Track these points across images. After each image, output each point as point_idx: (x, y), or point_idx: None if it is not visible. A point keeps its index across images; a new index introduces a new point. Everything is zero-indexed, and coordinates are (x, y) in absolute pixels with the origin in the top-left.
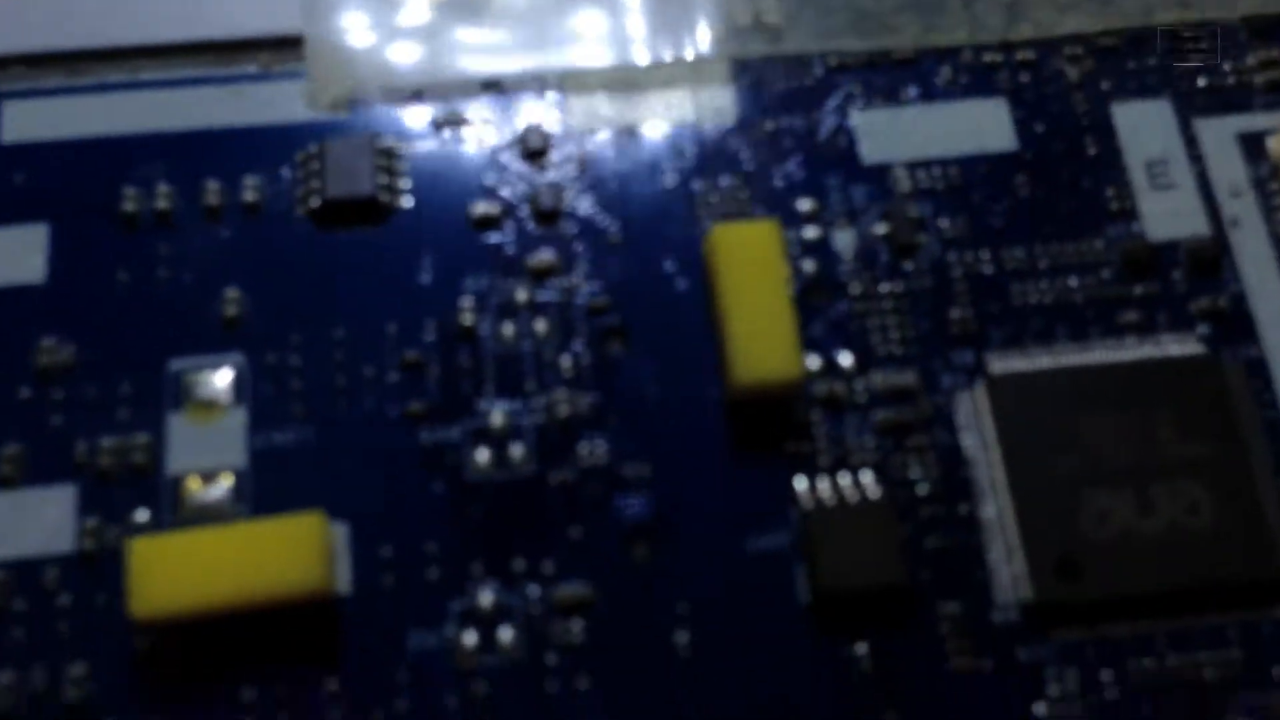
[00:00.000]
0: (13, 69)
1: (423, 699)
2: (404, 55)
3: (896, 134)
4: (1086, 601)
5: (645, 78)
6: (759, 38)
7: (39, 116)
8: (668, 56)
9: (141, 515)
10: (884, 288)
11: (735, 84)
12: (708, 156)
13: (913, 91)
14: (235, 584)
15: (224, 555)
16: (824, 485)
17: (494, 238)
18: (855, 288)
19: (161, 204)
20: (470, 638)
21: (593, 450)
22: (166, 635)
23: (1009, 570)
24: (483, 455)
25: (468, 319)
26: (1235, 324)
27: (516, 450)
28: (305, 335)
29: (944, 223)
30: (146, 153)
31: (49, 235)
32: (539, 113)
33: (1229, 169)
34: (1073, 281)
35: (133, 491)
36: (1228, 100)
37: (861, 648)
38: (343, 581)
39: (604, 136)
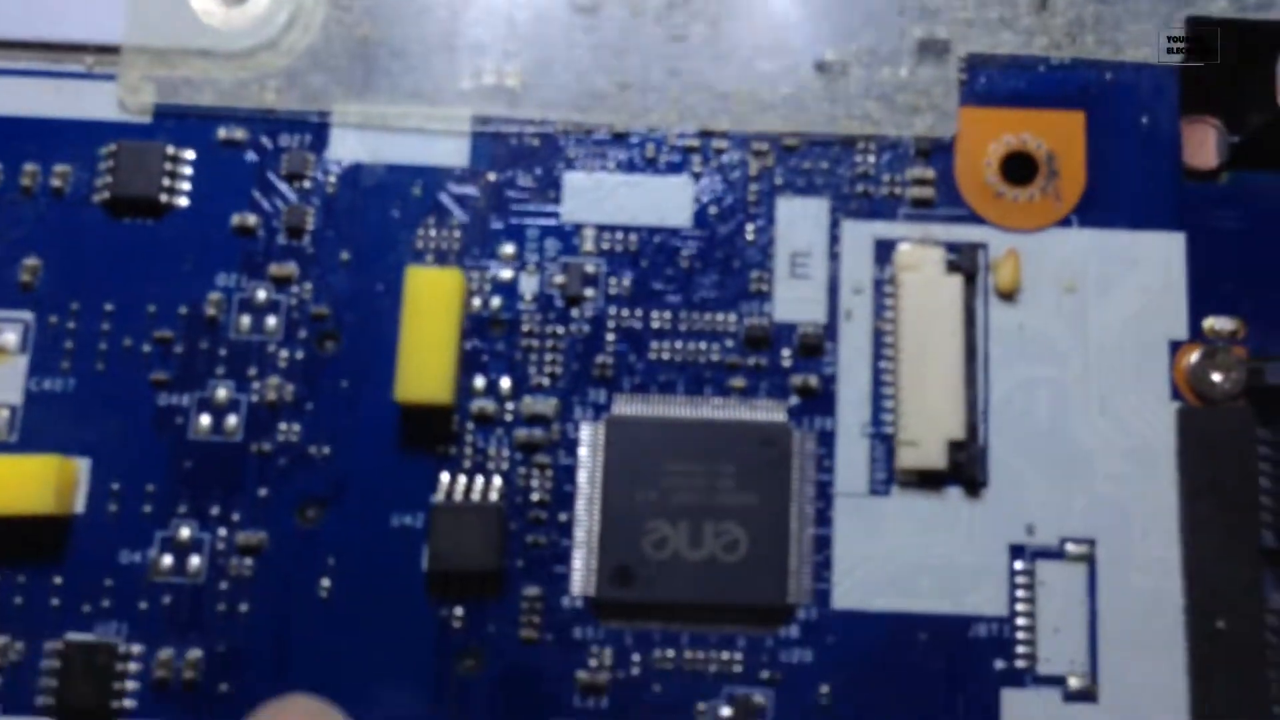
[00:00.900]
0: None
1: (122, 600)
2: (205, 76)
3: (595, 198)
4: (633, 603)
5: (397, 121)
6: (500, 99)
7: None
8: (417, 108)
9: None
10: (550, 329)
11: (472, 138)
12: (435, 198)
13: (616, 162)
14: None
15: None
16: (460, 483)
17: (247, 245)
18: (527, 325)
19: None
20: (167, 560)
21: (289, 429)
22: None
23: (583, 570)
24: (204, 420)
25: (213, 309)
26: (820, 400)
27: (231, 421)
28: (83, 304)
29: (612, 281)
30: None
31: None
32: (307, 141)
33: (858, 268)
34: (702, 345)
35: None
36: (876, 208)
37: (459, 610)
38: (78, 503)
39: (354, 168)
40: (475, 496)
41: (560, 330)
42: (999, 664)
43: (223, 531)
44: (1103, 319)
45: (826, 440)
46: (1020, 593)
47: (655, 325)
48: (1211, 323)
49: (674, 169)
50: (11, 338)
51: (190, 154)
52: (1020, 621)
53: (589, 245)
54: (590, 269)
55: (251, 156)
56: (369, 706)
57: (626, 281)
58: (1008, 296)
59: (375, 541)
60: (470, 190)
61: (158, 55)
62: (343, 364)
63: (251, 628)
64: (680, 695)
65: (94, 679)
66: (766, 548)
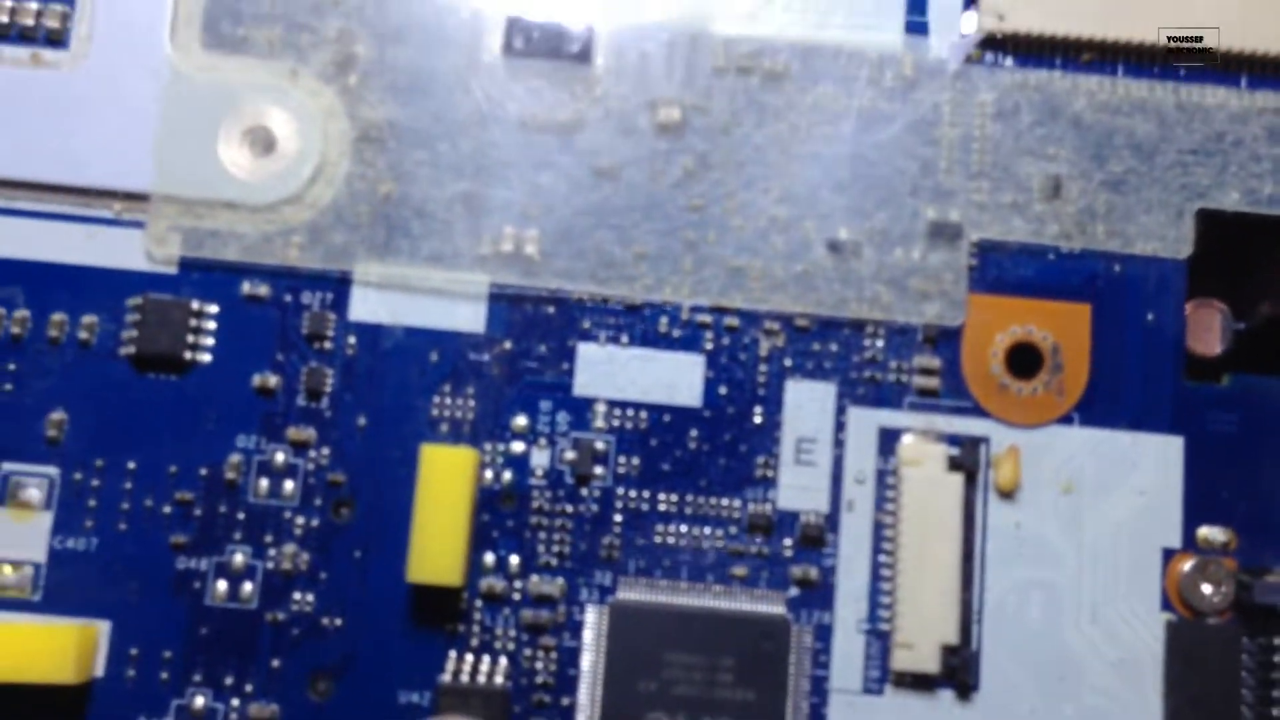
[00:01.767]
0: None
1: None
2: (231, 229)
3: (608, 372)
4: None
5: (417, 283)
6: (518, 266)
7: None
8: (436, 271)
9: None
10: (559, 506)
11: (490, 302)
12: (453, 365)
13: (630, 335)
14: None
15: (16, 642)
16: (467, 662)
17: (267, 406)
18: (537, 501)
19: (15, 329)
20: None
21: (303, 599)
22: None
23: None
24: (221, 586)
25: (232, 472)
26: (820, 592)
27: (247, 588)
28: (107, 461)
29: (621, 459)
30: (10, 276)
31: None
32: (328, 300)
33: (861, 457)
34: (706, 530)
35: None
36: (882, 395)
37: None
38: (99, 666)
39: (373, 329)
40: (482, 678)
41: (569, 508)
42: None
43: (235, 702)
44: (1099, 522)
45: (824, 635)
46: None
47: (662, 507)
48: (1205, 532)
49: (686, 345)
50: (36, 494)
51: (214, 308)
52: None
53: (600, 421)
54: (600, 446)
55: (274, 314)
56: None
57: (635, 460)
58: (1007, 495)
59: (383, 715)
60: (485, 358)
61: (185, 206)
62: (356, 532)
63: None
64: None
65: None
66: None
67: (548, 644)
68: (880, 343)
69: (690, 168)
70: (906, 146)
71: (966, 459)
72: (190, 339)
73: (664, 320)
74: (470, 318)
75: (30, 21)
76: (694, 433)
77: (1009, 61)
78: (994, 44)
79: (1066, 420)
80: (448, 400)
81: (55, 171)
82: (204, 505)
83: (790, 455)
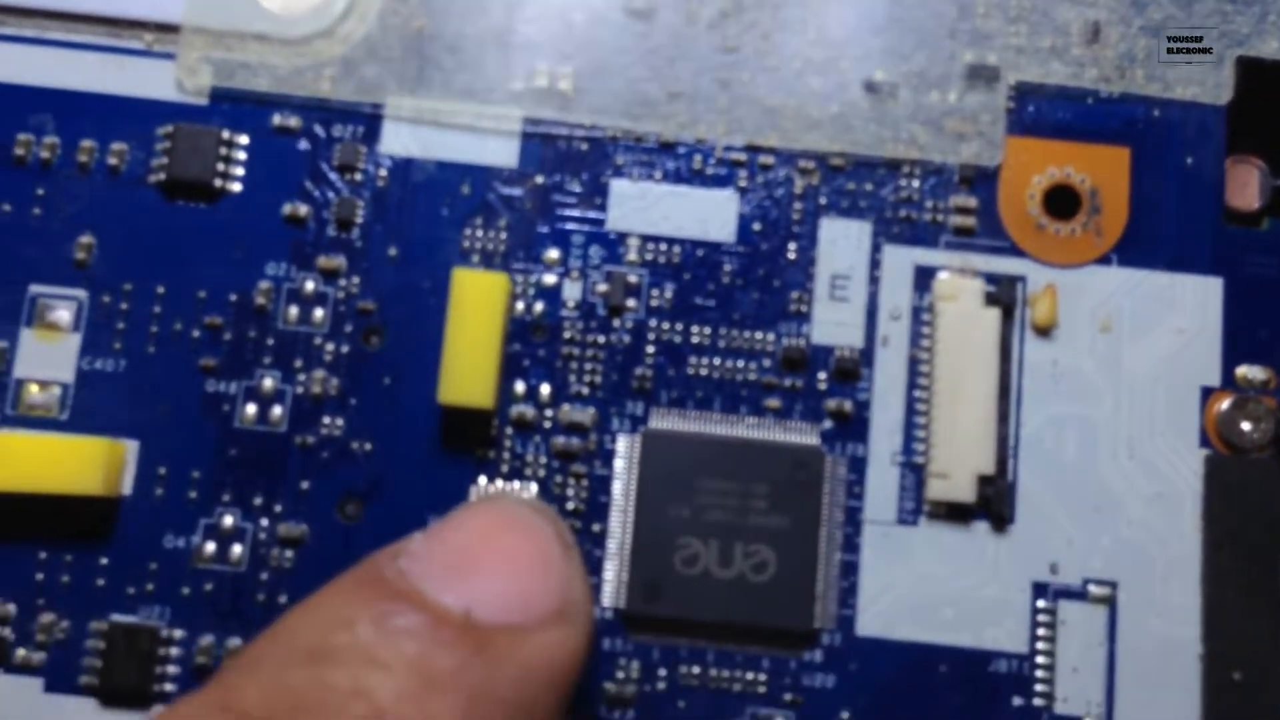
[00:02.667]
0: None
1: (165, 584)
2: (262, 61)
3: (640, 207)
4: (661, 618)
5: (449, 118)
6: (551, 102)
7: None
8: (468, 106)
9: None
10: (590, 337)
11: (522, 138)
12: (484, 198)
13: (663, 172)
14: (47, 476)
15: (45, 454)
16: (497, 487)
17: (297, 235)
18: (568, 332)
19: (45, 154)
20: (210, 547)
21: (333, 423)
22: None
23: (614, 582)
24: (250, 410)
25: (262, 299)
26: (854, 425)
27: (276, 411)
28: (135, 285)
29: (654, 293)
30: (41, 104)
31: None
32: (359, 133)
33: (896, 294)
34: (740, 363)
35: None
36: (918, 234)
37: None
38: (126, 484)
39: (405, 162)
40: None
41: (601, 339)
42: (1017, 700)
43: (265, 522)
44: (1136, 361)
45: (858, 466)
46: (1041, 631)
47: (695, 340)
48: (1244, 371)
49: (720, 182)
50: (65, 315)
51: (244, 139)
52: (1040, 660)
53: (633, 255)
54: (633, 279)
55: (304, 145)
56: None
57: (668, 294)
58: (1043, 332)
59: None
60: (518, 192)
61: (216, 37)
62: (386, 360)
63: None
64: (704, 713)
65: (136, 662)
66: (795, 571)
67: (578, 471)
68: (916, 182)
69: (726, 8)
70: None
71: (1003, 295)
72: (220, 167)
73: (698, 158)
74: (503, 152)
75: None
76: (727, 267)
77: None
78: None
79: (1104, 260)
80: (479, 232)
81: (87, 1)
82: (233, 330)
83: (825, 291)
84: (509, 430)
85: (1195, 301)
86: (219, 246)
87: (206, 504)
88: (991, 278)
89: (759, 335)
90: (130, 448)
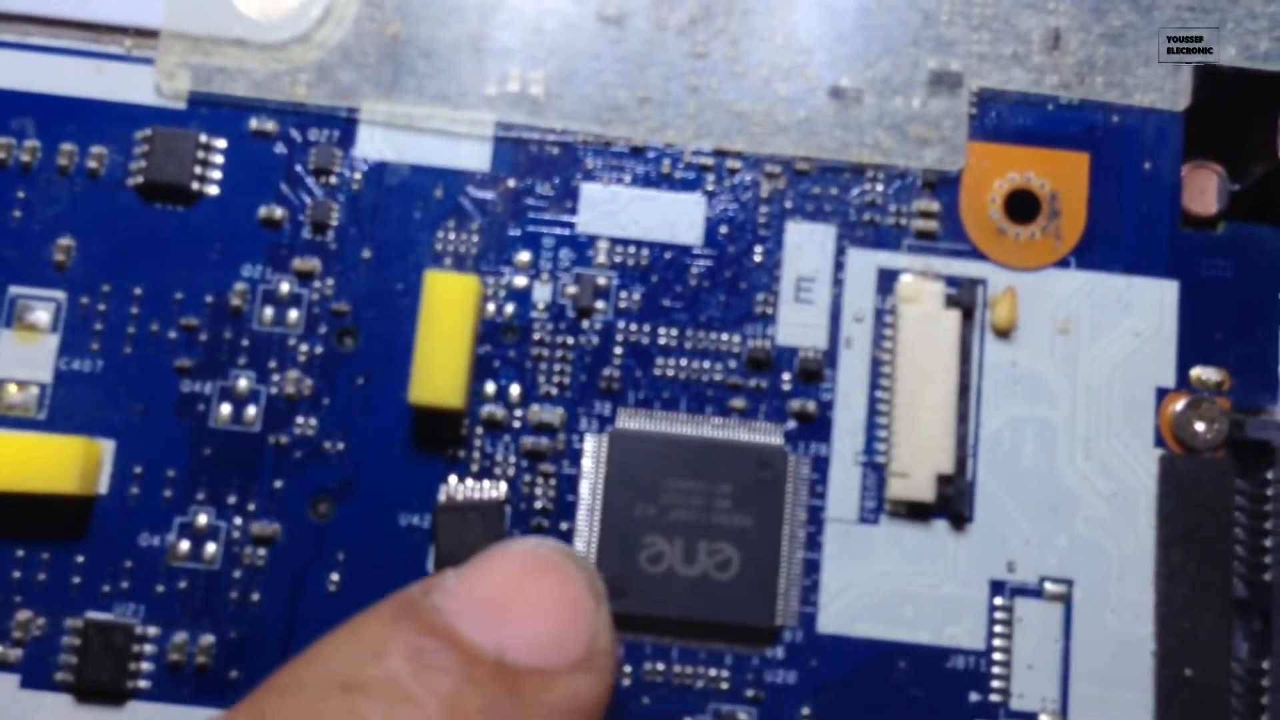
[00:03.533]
0: None
1: (140, 582)
2: (239, 66)
3: (610, 210)
4: (626, 615)
5: (422, 122)
6: (523, 107)
7: None
8: (442, 110)
9: None
10: (560, 338)
11: (494, 142)
12: (456, 201)
13: (632, 176)
14: (24, 475)
15: (22, 452)
16: (467, 486)
17: (273, 237)
18: (538, 334)
19: (25, 157)
20: (184, 545)
21: (306, 423)
22: None
23: None
24: (225, 410)
25: (237, 300)
26: (817, 425)
27: (250, 411)
28: (113, 286)
29: (623, 295)
30: (21, 108)
31: None
32: (335, 137)
33: (860, 296)
34: (706, 364)
35: None
36: (881, 237)
37: None
38: (102, 483)
39: (379, 166)
40: (472, 497)
41: (570, 340)
42: (974, 696)
43: (238, 520)
44: (1093, 362)
45: (820, 466)
46: (998, 628)
47: (662, 341)
48: (1198, 372)
49: (688, 186)
50: (44, 316)
51: (222, 143)
52: (997, 656)
53: (602, 258)
54: (602, 281)
55: (281, 149)
56: None
57: (636, 296)
58: (1003, 334)
59: (383, 539)
60: (490, 195)
61: (194, 42)
62: (360, 361)
63: (262, 617)
64: (668, 709)
65: (111, 659)
66: (757, 569)
67: (547, 470)
68: (880, 187)
69: (695, 15)
70: None
71: (964, 297)
72: (198, 170)
73: (666, 162)
74: (475, 156)
75: None
76: (694, 270)
77: None
78: None
79: (1063, 264)
80: (451, 235)
81: (67, 7)
82: (209, 331)
83: (790, 293)
84: (479, 430)
85: (1151, 304)
86: (196, 249)
87: (181, 503)
88: (953, 280)
89: (725, 337)
90: (107, 447)
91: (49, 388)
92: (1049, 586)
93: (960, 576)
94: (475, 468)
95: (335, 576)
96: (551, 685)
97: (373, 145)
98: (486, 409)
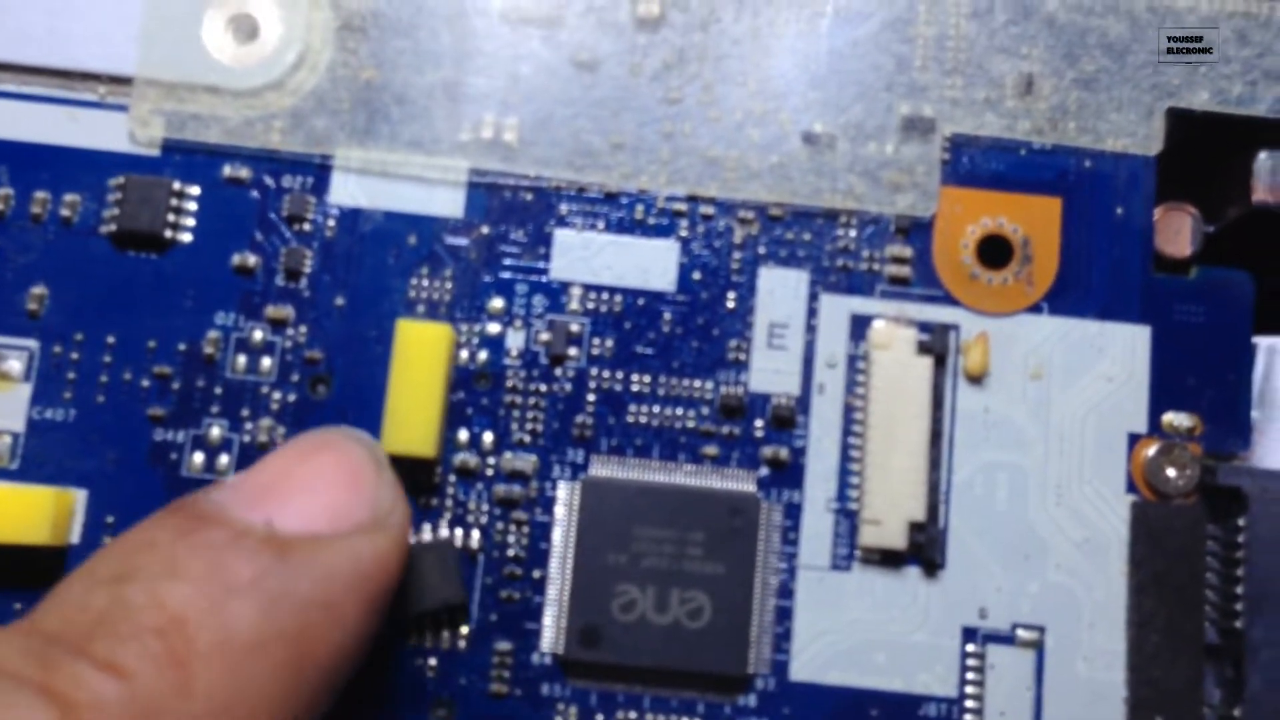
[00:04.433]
0: None
1: None
2: (213, 112)
3: (583, 256)
4: (599, 664)
5: (396, 169)
6: (497, 153)
7: None
8: (416, 157)
9: None
10: (533, 385)
11: (468, 189)
12: (430, 248)
13: (606, 222)
14: None
15: None
16: (439, 535)
17: (246, 285)
18: (511, 381)
19: None
20: None
21: None
22: None
23: (553, 628)
24: (198, 458)
25: (210, 348)
26: (790, 472)
27: (223, 460)
28: (86, 335)
29: (596, 341)
30: None
31: None
32: (308, 184)
33: (833, 342)
34: (679, 411)
35: None
36: (854, 283)
37: (432, 660)
38: (74, 533)
39: (353, 213)
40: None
41: (543, 388)
42: None
43: None
44: (1065, 408)
45: (793, 513)
46: (971, 675)
47: (635, 388)
48: (1170, 418)
49: (662, 232)
50: (16, 365)
51: (195, 190)
52: (969, 704)
53: (575, 304)
54: (575, 328)
55: (254, 196)
56: None
57: (610, 343)
58: (976, 380)
59: None
60: (463, 241)
61: (168, 89)
62: (332, 408)
63: None
64: None
65: None
66: (729, 617)
67: (520, 518)
68: (853, 232)
69: (669, 61)
70: (882, 43)
71: (936, 343)
72: (171, 218)
73: (640, 208)
74: (449, 203)
75: None
76: (667, 316)
77: None
78: None
79: (1035, 309)
80: (425, 282)
81: (41, 54)
82: (182, 379)
83: (763, 339)
84: (452, 478)
85: (1124, 349)
86: (169, 296)
87: None
88: (925, 326)
89: (698, 383)
90: (79, 496)
91: (21, 437)
92: (1021, 633)
93: (932, 623)
94: (448, 515)
95: None
96: (327, 549)
97: (346, 192)
98: (459, 456)
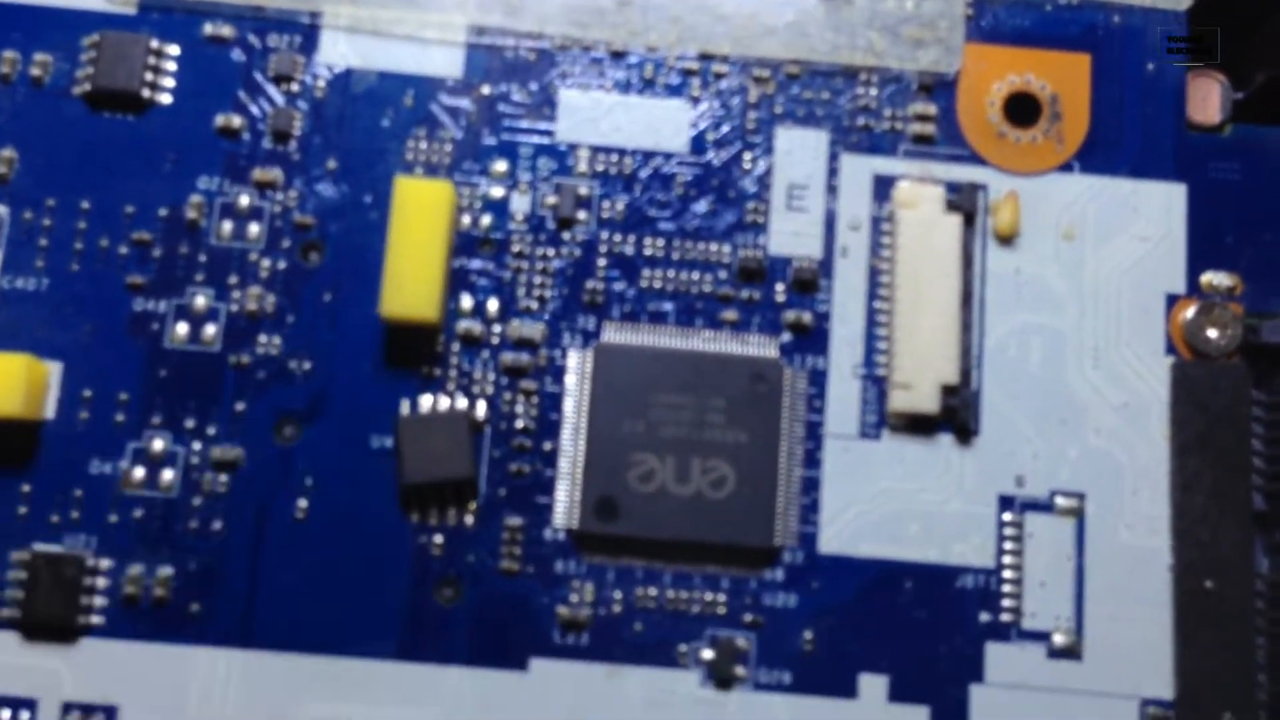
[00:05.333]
0: None
1: (92, 512)
2: None
3: (590, 118)
4: (616, 537)
5: (390, 27)
6: (497, 9)
7: None
8: (411, 13)
9: None
10: (540, 250)
11: (467, 48)
12: (427, 109)
13: (613, 82)
14: None
15: None
16: (435, 401)
17: (231, 147)
18: (517, 246)
19: None
20: (139, 472)
21: (269, 341)
22: None
23: (566, 502)
24: (181, 329)
25: (193, 213)
26: (813, 338)
27: (209, 330)
28: (59, 200)
29: (606, 204)
30: None
31: None
32: (296, 43)
33: (855, 204)
34: (695, 275)
35: None
36: (876, 143)
37: (438, 537)
38: (49, 408)
39: (344, 73)
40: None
41: (551, 253)
42: (984, 617)
43: (197, 445)
44: (1100, 268)
45: (818, 380)
46: (1008, 545)
47: (648, 252)
48: (1209, 278)
49: (672, 92)
50: None
51: (175, 49)
52: (1007, 574)
53: (583, 166)
54: (584, 191)
55: (238, 55)
56: (344, 634)
57: (620, 206)
58: (1006, 240)
59: (354, 463)
60: (463, 103)
61: None
62: (326, 276)
63: (224, 547)
64: (662, 635)
65: (61, 592)
66: (754, 487)
67: (528, 387)
68: (874, 90)
69: None
70: None
71: (964, 202)
72: (149, 77)
73: (649, 67)
74: (446, 62)
75: None
76: (681, 178)
77: None
78: None
79: (1066, 168)
80: (422, 144)
81: None
82: (163, 246)
83: (782, 201)
84: (455, 346)
85: (1159, 208)
86: (148, 160)
87: (135, 427)
88: (952, 186)
89: (714, 247)
90: (54, 369)
91: None
92: (1060, 501)
93: (967, 492)
94: (451, 385)
95: (303, 503)
96: None
97: (337, 51)
98: (463, 324)
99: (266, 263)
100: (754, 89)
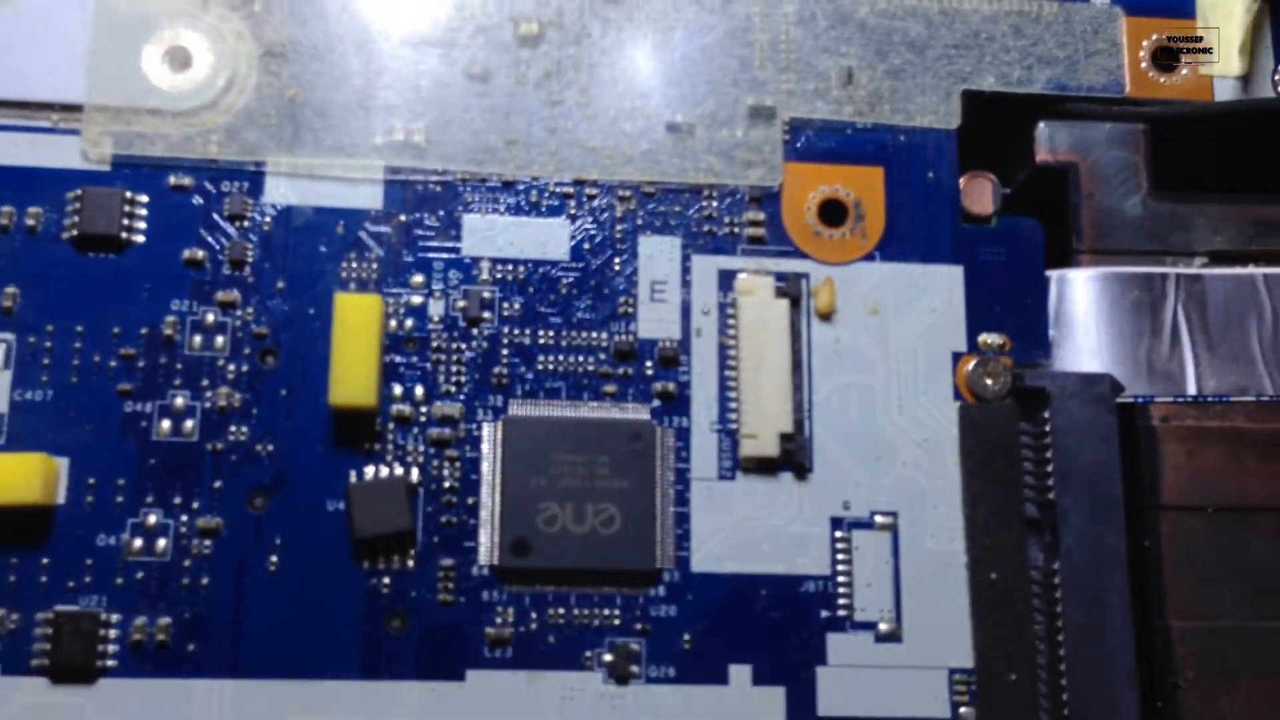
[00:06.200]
0: None
1: (101, 576)
2: (156, 131)
3: (489, 236)
4: (529, 570)
5: (321, 171)
6: (408, 153)
7: None
8: (338, 159)
9: None
10: (455, 345)
11: (385, 184)
12: (356, 236)
13: (506, 206)
14: None
15: None
16: (384, 472)
17: (196, 275)
18: (435, 342)
19: None
20: (138, 542)
21: (238, 430)
22: None
23: (488, 543)
24: (165, 424)
25: (169, 330)
26: (677, 402)
27: (188, 424)
28: (57, 326)
29: (505, 305)
30: None
31: None
32: (245, 187)
33: (705, 294)
34: (580, 358)
35: None
36: (719, 244)
37: (385, 580)
38: (60, 494)
39: (286, 210)
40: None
41: (463, 346)
42: (824, 613)
43: (185, 518)
44: (900, 335)
45: (683, 435)
46: (840, 556)
47: (542, 341)
48: (985, 338)
49: (554, 211)
50: None
51: (145, 198)
52: (840, 579)
53: (485, 275)
54: (487, 295)
55: (198, 200)
56: (314, 661)
57: (517, 305)
58: (825, 317)
59: (313, 524)
60: (384, 229)
61: (115, 113)
62: (281, 375)
63: (212, 598)
64: (571, 645)
65: (81, 643)
66: (637, 523)
67: (452, 455)
68: (715, 203)
69: (549, 70)
70: (727, 48)
71: (791, 289)
72: (125, 222)
73: (534, 193)
74: (369, 197)
75: None
76: (565, 281)
77: None
78: None
79: (870, 258)
80: (353, 265)
81: (1, 88)
82: (146, 358)
83: (646, 295)
84: (390, 426)
85: (943, 286)
86: (128, 290)
87: (133, 506)
88: (781, 275)
89: (594, 334)
90: (62, 464)
91: (5, 417)
92: (879, 519)
93: (805, 517)
94: (389, 457)
95: (274, 559)
96: None
97: (279, 192)
98: (395, 408)
99: (232, 367)
100: (619, 206)
